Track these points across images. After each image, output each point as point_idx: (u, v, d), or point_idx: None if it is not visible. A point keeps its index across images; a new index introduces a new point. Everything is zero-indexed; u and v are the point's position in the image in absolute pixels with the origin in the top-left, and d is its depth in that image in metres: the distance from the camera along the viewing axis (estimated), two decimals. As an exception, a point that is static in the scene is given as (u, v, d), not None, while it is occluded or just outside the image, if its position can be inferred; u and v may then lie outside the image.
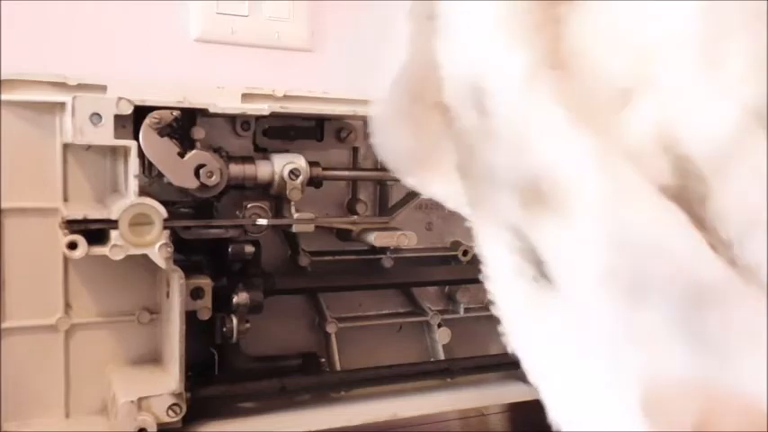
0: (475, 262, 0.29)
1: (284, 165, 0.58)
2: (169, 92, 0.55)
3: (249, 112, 0.57)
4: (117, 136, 0.51)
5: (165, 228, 0.52)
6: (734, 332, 0.23)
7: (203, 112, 0.55)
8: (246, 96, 0.61)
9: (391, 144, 0.33)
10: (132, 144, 0.51)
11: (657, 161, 0.26)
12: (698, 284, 0.23)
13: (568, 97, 0.27)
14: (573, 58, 0.28)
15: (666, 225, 0.24)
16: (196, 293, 0.55)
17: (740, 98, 0.24)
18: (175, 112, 0.53)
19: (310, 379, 0.62)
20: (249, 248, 0.58)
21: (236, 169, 0.56)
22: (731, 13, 0.25)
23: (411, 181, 0.33)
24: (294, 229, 0.59)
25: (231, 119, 0.60)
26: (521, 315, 0.29)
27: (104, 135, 0.50)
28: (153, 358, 0.59)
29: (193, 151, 0.54)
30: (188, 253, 0.57)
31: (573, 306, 0.26)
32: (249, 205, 0.57)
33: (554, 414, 0.28)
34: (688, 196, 0.25)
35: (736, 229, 0.25)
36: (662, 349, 0.23)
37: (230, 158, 0.57)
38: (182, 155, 0.54)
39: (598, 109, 0.27)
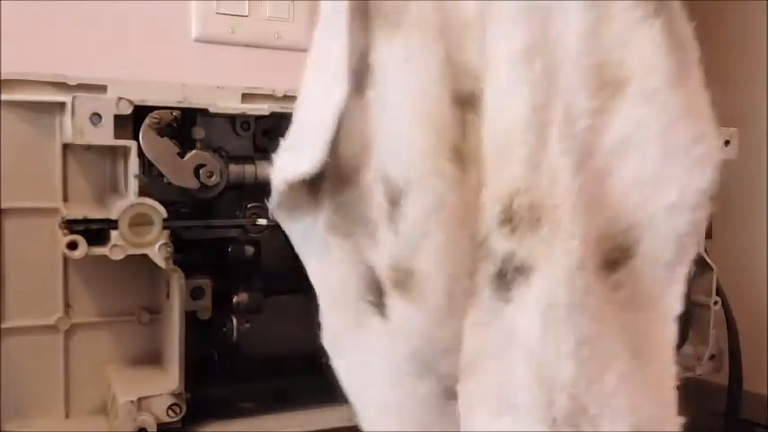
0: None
1: (284, 165, 0.57)
2: (169, 92, 0.55)
3: (249, 112, 0.57)
4: (117, 136, 0.51)
5: (165, 228, 0.52)
6: None
7: (203, 112, 0.55)
8: (246, 96, 0.61)
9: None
10: (132, 144, 0.51)
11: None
12: None
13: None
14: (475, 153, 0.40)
15: None
16: (196, 293, 0.55)
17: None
18: (175, 112, 0.53)
19: (310, 379, 0.62)
20: (249, 248, 0.58)
21: (236, 169, 0.56)
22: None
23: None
24: (294, 229, 0.58)
25: (231, 119, 0.60)
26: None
27: (104, 135, 0.50)
28: (153, 358, 0.59)
29: (193, 151, 0.54)
30: (188, 253, 0.57)
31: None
32: (249, 205, 0.57)
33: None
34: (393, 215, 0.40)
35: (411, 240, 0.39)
36: None
37: (230, 158, 0.57)
38: (182, 155, 0.54)
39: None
